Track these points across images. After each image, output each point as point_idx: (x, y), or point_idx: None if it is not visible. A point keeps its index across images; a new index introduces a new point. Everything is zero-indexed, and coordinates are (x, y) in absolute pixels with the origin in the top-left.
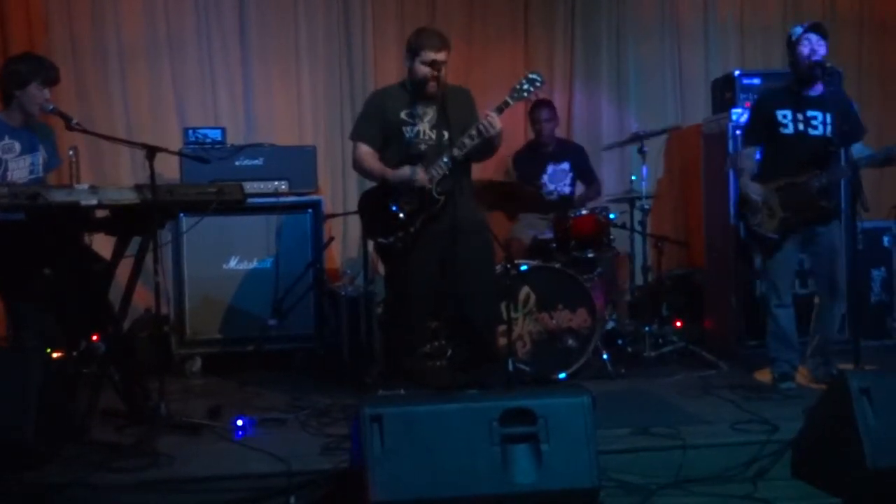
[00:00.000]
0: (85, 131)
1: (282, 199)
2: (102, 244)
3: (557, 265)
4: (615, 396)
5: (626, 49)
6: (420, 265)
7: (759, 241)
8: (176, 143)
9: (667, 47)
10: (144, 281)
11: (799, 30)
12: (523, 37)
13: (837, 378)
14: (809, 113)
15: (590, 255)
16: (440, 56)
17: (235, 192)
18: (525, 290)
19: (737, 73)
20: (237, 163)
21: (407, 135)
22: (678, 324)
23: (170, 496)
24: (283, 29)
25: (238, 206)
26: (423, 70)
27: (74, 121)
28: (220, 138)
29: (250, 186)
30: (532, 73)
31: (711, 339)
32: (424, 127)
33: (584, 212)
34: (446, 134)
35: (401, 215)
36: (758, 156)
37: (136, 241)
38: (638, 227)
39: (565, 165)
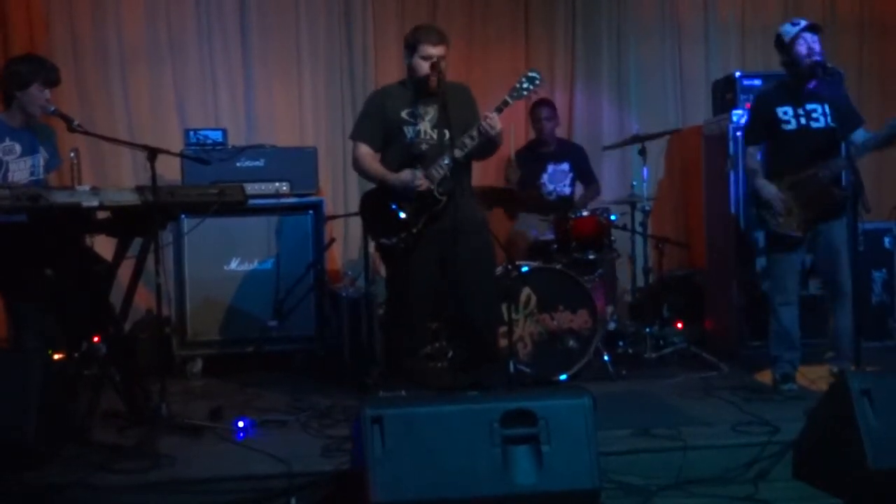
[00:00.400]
0: (86, 133)
1: (283, 201)
2: (104, 245)
3: (558, 266)
4: (616, 398)
5: (626, 49)
6: (421, 265)
7: (781, 242)
8: (177, 145)
9: (667, 48)
10: (145, 282)
11: (791, 29)
12: (524, 37)
13: (838, 379)
14: (809, 106)
15: (591, 257)
16: (438, 50)
17: (236, 193)
18: (526, 291)
19: (737, 74)
20: (238, 164)
21: (408, 134)
22: (679, 325)
23: (171, 497)
24: (284, 30)
25: (239, 207)
26: (423, 65)
27: (76, 122)
28: (221, 139)
29: (251, 188)
30: (531, 71)
31: (712, 340)
32: (426, 126)
33: (585, 213)
34: (447, 133)
35: (403, 216)
36: (759, 155)
37: (137, 243)
38: (639, 229)
39: (565, 166)
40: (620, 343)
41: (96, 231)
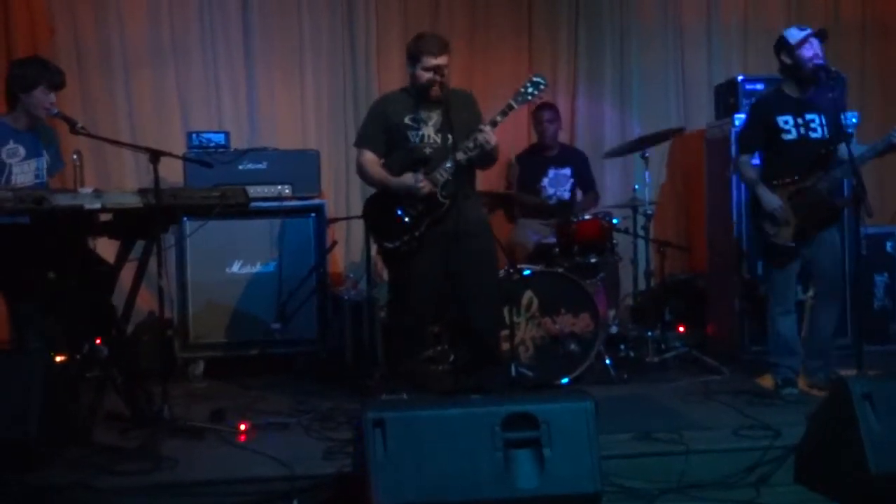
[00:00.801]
0: (89, 135)
1: (285, 203)
2: (106, 248)
3: (560, 270)
4: (618, 401)
5: (629, 53)
6: (424, 268)
7: (775, 252)
8: (180, 147)
9: (670, 51)
10: (148, 284)
11: (798, 33)
12: (527, 40)
13: (839, 383)
14: (808, 116)
15: (593, 260)
16: (441, 60)
17: (239, 195)
18: (528, 294)
19: (740, 78)
20: (241, 167)
21: (412, 139)
22: (681, 329)
23: (172, 499)
24: (286, 33)
25: (241, 209)
26: (426, 76)
27: (79, 124)
28: (223, 142)
29: (254, 190)
30: (536, 76)
31: (714, 344)
32: (429, 131)
33: (587, 217)
34: (451, 137)
35: (406, 219)
36: (755, 161)
37: (139, 245)
38: (641, 232)
39: (567, 171)
40: (622, 347)
41: (99, 233)
